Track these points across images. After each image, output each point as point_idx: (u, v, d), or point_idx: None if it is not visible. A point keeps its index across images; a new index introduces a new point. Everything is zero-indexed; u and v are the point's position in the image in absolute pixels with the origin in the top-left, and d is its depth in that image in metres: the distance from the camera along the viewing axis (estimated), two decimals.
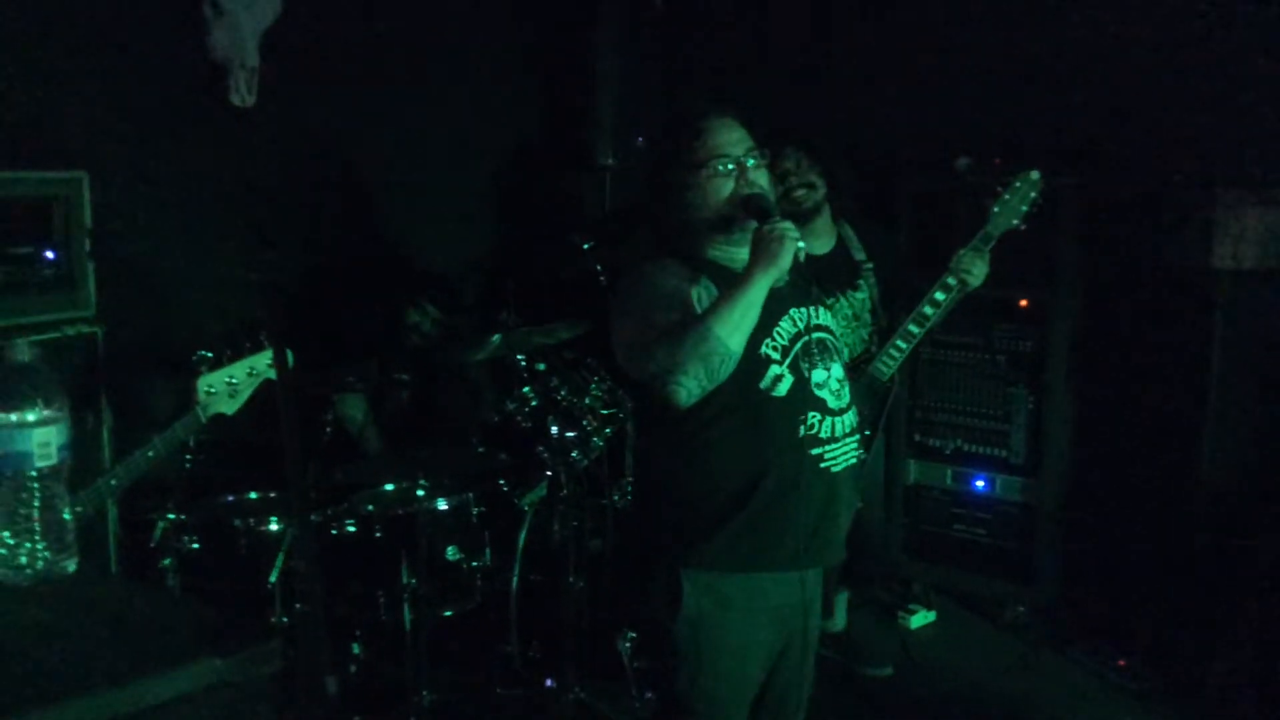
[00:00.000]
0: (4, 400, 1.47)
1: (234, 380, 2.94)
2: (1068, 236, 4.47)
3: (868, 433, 3.71)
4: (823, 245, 4.06)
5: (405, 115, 4.93)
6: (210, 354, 2.96)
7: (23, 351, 1.50)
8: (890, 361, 3.73)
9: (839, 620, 4.53)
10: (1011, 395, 4.62)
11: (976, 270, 3.55)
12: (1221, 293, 4.09)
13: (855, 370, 3.69)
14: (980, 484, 4.71)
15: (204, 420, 2.95)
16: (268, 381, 3.00)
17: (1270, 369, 4.15)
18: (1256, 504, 4.05)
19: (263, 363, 2.97)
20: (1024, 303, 4.56)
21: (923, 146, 4.76)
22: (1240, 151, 4.09)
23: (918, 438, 4.83)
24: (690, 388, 2.40)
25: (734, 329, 2.39)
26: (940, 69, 4.76)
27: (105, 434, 3.60)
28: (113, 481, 2.86)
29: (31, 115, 3.76)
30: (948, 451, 4.78)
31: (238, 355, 2.96)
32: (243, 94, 4.35)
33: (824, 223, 4.07)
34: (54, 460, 1.49)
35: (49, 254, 3.54)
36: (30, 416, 1.48)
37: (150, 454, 2.90)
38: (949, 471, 4.78)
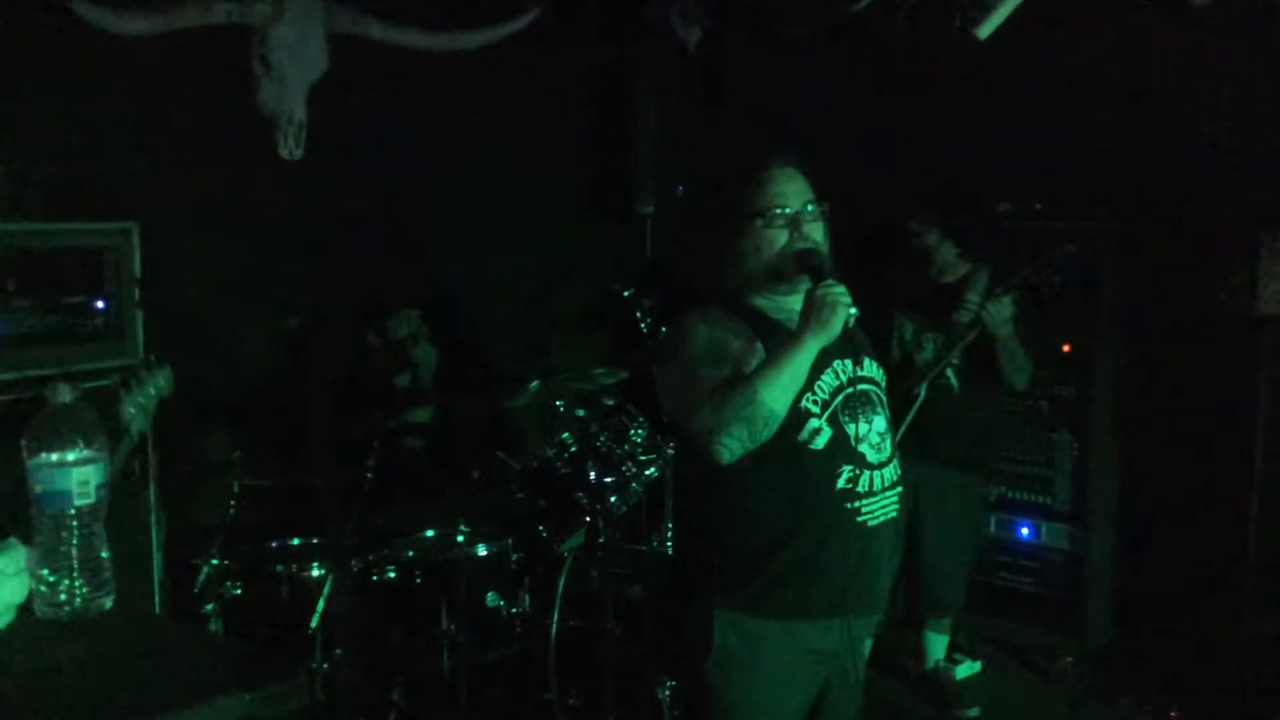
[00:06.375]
0: (46, 441, 1.52)
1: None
2: (1110, 281, 4.45)
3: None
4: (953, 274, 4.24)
5: (449, 168, 5.01)
6: None
7: (63, 393, 1.55)
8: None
9: (930, 658, 4.48)
10: (1055, 441, 4.57)
11: (997, 311, 3.83)
12: (1267, 336, 4.04)
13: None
14: (1025, 531, 4.65)
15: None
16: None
17: None
18: None
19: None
20: (1067, 348, 4.52)
21: (964, 192, 4.74)
22: None
23: None
24: (733, 447, 2.41)
25: (780, 392, 2.39)
26: (981, 115, 4.77)
27: (151, 481, 3.66)
28: None
29: (82, 168, 3.87)
30: (991, 499, 4.72)
31: None
32: (290, 147, 4.44)
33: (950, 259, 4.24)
34: (92, 499, 1.53)
35: (99, 303, 3.63)
36: (70, 456, 1.52)
37: None
38: (993, 519, 4.73)
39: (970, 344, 3.95)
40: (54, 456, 1.51)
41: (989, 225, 4.28)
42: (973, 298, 3.95)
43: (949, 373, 4.07)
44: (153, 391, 2.81)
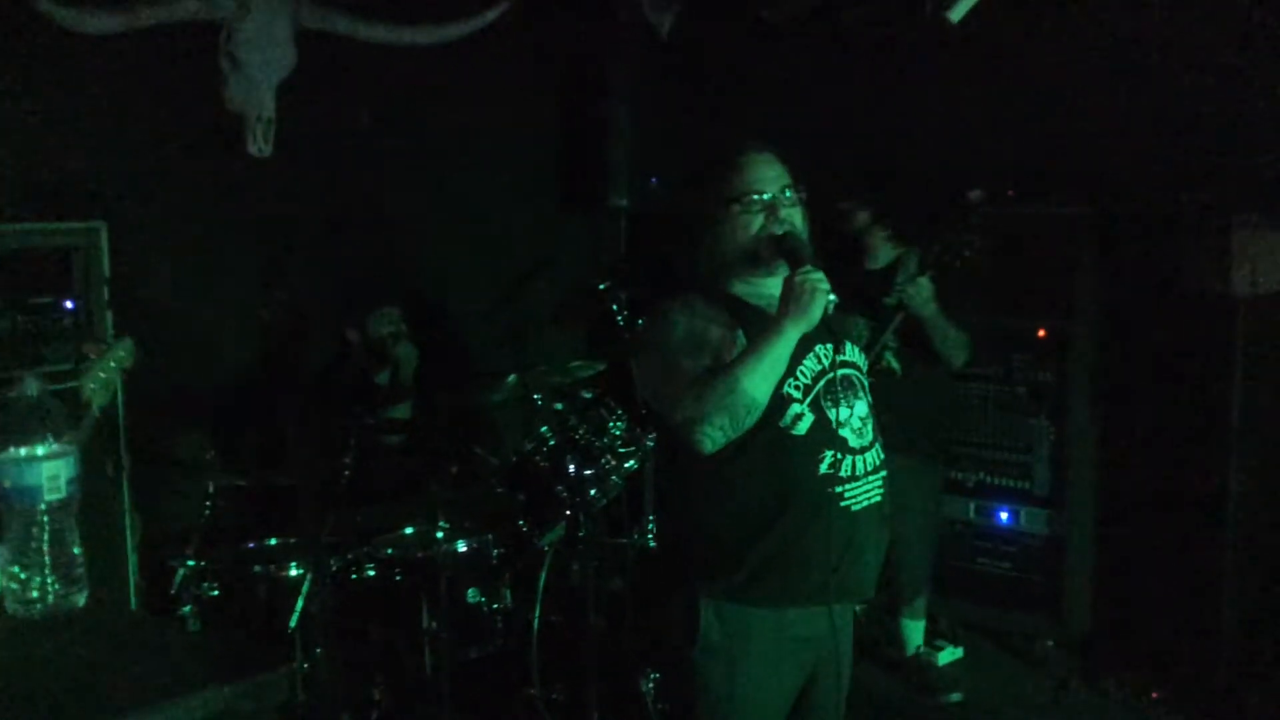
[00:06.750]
0: (13, 435, 1.48)
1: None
2: (1085, 265, 4.45)
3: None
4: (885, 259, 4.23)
5: (420, 163, 4.98)
6: None
7: (31, 387, 1.52)
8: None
9: (909, 645, 4.49)
10: (1033, 426, 4.58)
11: (916, 292, 3.85)
12: (1241, 317, 4.06)
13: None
14: (1004, 516, 4.66)
15: None
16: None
17: None
18: None
19: None
20: (1042, 333, 4.54)
21: (937, 179, 4.74)
22: (1255, 175, 4.07)
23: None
24: (715, 437, 2.39)
25: (761, 380, 2.38)
26: (952, 100, 4.77)
27: (125, 480, 3.62)
28: None
29: (51, 166, 3.83)
30: (970, 484, 4.73)
31: None
32: (259, 144, 4.40)
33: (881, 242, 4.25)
34: (63, 494, 1.50)
35: (68, 303, 3.59)
36: (39, 451, 1.49)
37: None
38: (972, 505, 4.74)
39: (904, 326, 3.95)
40: (22, 451, 1.48)
41: (922, 204, 4.28)
42: (902, 280, 3.95)
43: (889, 357, 4.06)
44: (113, 364, 2.73)
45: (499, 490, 4.27)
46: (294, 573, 3.63)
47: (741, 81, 5.45)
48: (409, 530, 3.97)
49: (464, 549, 3.88)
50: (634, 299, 4.64)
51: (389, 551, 3.86)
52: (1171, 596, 4.32)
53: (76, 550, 1.54)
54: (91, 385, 2.55)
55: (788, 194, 2.56)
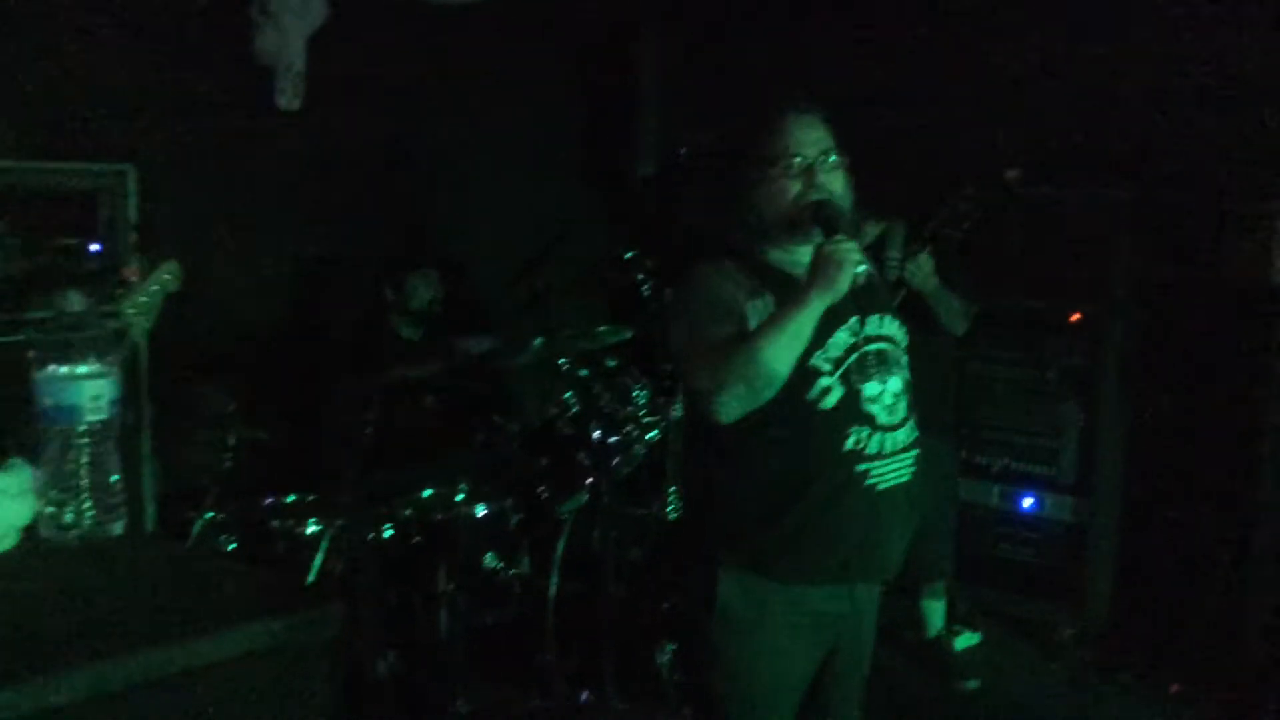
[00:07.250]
0: (55, 351, 1.42)
1: None
2: (1120, 250, 4.38)
3: None
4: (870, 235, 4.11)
5: (446, 124, 4.92)
6: None
7: (74, 301, 1.45)
8: None
9: (930, 628, 4.44)
10: (1061, 412, 4.51)
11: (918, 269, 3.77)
12: None
13: None
14: (1028, 503, 4.60)
15: None
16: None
17: None
18: None
19: None
20: (1075, 317, 4.46)
21: (974, 158, 4.67)
22: None
23: (964, 454, 4.70)
24: (732, 407, 2.32)
25: (782, 352, 2.30)
26: (991, 79, 4.70)
27: (145, 431, 3.57)
28: None
29: (78, 108, 3.77)
30: (995, 469, 4.67)
31: None
32: (289, 97, 4.34)
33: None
34: (105, 415, 1.43)
35: (93, 246, 3.53)
36: (81, 369, 1.42)
37: None
38: (996, 490, 4.67)
39: (903, 302, 3.87)
40: (64, 369, 1.42)
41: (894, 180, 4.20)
42: (894, 254, 3.86)
43: None
44: (158, 287, 2.65)
45: (521, 455, 4.22)
46: (311, 530, 3.59)
47: (767, 54, 5.37)
48: (428, 492, 3.91)
49: (482, 513, 3.83)
50: (659, 268, 4.58)
51: (407, 513, 3.80)
52: (1194, 589, 4.27)
53: (116, 476, 1.48)
54: (132, 309, 2.46)
55: (831, 158, 2.48)
